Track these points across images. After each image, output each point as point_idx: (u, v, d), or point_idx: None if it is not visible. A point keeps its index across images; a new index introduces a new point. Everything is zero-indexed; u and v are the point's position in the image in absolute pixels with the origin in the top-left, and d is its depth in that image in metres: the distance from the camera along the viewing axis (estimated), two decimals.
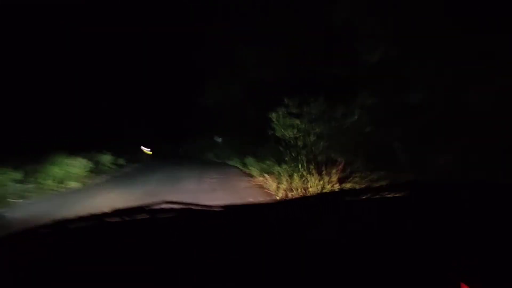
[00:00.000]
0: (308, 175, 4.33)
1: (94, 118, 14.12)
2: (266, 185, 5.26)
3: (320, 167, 4.25)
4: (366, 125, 4.10)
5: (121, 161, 12.95)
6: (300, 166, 4.57)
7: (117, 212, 0.84)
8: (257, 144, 7.66)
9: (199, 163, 12.28)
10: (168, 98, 23.52)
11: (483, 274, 0.50)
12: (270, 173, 5.50)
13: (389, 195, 0.80)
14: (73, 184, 7.79)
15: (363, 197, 0.83)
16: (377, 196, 0.81)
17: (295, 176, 4.47)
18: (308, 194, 3.46)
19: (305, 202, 0.89)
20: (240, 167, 8.99)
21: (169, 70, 20.15)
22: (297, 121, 5.05)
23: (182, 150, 24.69)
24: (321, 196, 0.91)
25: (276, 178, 5.10)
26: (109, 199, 5.69)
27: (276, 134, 5.44)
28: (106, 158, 11.35)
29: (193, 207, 0.86)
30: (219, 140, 14.62)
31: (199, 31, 11.48)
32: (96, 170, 9.69)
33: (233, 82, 9.73)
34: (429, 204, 0.75)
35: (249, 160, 7.82)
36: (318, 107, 4.85)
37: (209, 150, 15.80)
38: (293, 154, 4.98)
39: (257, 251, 0.62)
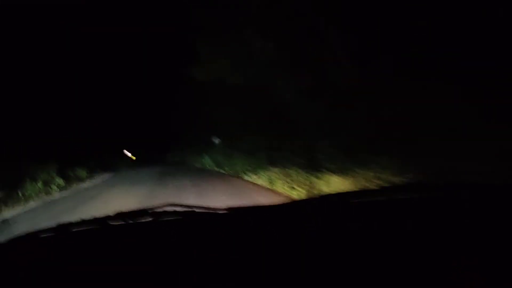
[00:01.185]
0: None
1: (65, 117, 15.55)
2: None
3: None
4: None
5: (80, 172, 12.27)
6: None
7: (120, 215, 1.02)
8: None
9: (193, 176, 10.46)
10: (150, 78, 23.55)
11: (484, 274, 0.60)
12: None
13: (393, 197, 0.96)
14: None
15: (368, 199, 0.99)
16: (382, 198, 0.97)
17: None
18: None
19: (309, 204, 1.05)
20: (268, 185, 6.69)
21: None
22: None
23: (171, 155, 24.85)
24: (324, 198, 1.06)
25: None
26: None
27: None
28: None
29: (196, 209, 1.03)
30: (216, 141, 14.62)
31: None
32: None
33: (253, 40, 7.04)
34: (431, 205, 0.91)
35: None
36: None
37: (205, 153, 15.20)
38: None
39: (259, 255, 0.75)
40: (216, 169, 12.64)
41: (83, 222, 1.01)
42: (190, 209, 1.04)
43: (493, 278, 0.59)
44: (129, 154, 27.44)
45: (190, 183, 8.30)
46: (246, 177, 8.37)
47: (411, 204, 0.94)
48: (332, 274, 0.65)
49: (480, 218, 0.78)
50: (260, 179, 7.52)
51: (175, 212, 1.03)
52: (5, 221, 1.91)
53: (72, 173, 12.07)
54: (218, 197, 6.02)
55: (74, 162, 13.01)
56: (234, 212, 1.04)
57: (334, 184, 4.83)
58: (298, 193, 5.44)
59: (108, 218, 1.02)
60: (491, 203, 0.84)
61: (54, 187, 9.97)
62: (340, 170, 4.85)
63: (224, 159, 12.23)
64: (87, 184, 11.77)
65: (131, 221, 1.02)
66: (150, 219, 1.02)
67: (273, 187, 6.24)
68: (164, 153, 27.52)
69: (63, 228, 1.00)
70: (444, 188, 0.98)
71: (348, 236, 0.80)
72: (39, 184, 9.33)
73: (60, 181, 10.56)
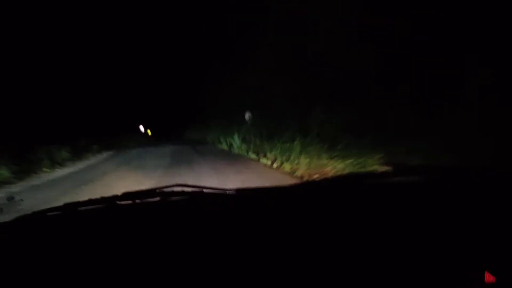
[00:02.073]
0: None
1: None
2: None
3: None
4: None
5: (64, 154, 12.64)
6: None
7: (127, 195, 1.15)
8: None
9: (214, 156, 11.24)
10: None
11: (508, 263, 0.67)
12: None
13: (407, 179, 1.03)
14: None
15: (383, 181, 1.06)
16: (400, 179, 1.04)
17: None
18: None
19: (323, 185, 1.13)
20: None
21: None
22: None
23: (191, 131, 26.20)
24: (341, 179, 1.14)
25: None
26: None
27: None
28: None
29: (205, 190, 1.14)
30: (248, 117, 13.75)
31: None
32: None
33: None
34: (451, 190, 0.97)
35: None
36: None
37: (227, 133, 14.95)
38: None
39: (267, 236, 0.83)
40: (236, 152, 12.78)
41: (90, 201, 1.13)
42: (198, 190, 1.15)
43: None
44: (143, 129, 28.57)
45: (208, 166, 8.59)
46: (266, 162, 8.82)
47: (422, 186, 1.02)
48: (339, 257, 0.73)
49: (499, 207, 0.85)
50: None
51: (183, 192, 1.15)
52: (11, 198, 2.13)
53: (79, 148, 13.92)
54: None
55: (81, 137, 15.08)
56: (242, 193, 1.14)
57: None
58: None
59: (115, 197, 1.15)
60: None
61: (61, 161, 11.53)
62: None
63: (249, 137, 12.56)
64: (95, 160, 13.17)
65: (138, 201, 1.14)
66: (158, 199, 1.14)
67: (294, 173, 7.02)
68: (184, 129, 28.59)
69: (70, 207, 1.13)
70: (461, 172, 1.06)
71: (357, 218, 0.88)
72: (45, 159, 10.73)
73: (66, 155, 12.39)
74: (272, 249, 0.78)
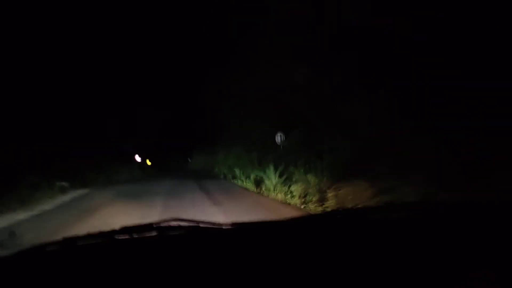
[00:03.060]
0: None
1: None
2: None
3: None
4: None
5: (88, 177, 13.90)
6: None
7: (126, 230, 1.38)
8: None
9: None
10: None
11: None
12: None
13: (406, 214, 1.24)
14: None
15: (387, 215, 1.28)
16: (401, 215, 1.25)
17: None
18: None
19: (320, 220, 1.35)
20: None
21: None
22: None
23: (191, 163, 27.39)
24: (342, 213, 1.36)
25: None
26: None
27: None
28: None
29: (201, 224, 1.37)
30: (280, 139, 12.23)
31: None
32: None
33: None
34: (444, 223, 1.18)
35: None
36: None
37: (245, 164, 14.27)
38: None
39: (263, 270, 1.00)
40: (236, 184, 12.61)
41: (89, 236, 1.36)
42: (195, 224, 1.38)
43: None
44: (139, 159, 29.27)
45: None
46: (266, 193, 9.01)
47: (425, 222, 1.24)
48: None
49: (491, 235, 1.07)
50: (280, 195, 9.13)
51: (180, 227, 1.38)
52: (12, 234, 2.37)
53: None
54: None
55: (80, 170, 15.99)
56: (239, 228, 1.37)
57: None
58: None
59: (114, 232, 1.37)
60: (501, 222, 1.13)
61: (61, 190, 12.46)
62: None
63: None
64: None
65: (136, 236, 1.37)
66: (155, 233, 1.37)
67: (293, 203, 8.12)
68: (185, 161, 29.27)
69: (69, 242, 1.34)
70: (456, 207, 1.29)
71: (355, 253, 1.07)
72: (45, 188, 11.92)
73: (66, 184, 13.33)
74: (267, 284, 0.94)
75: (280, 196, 9.50)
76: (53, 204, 11.44)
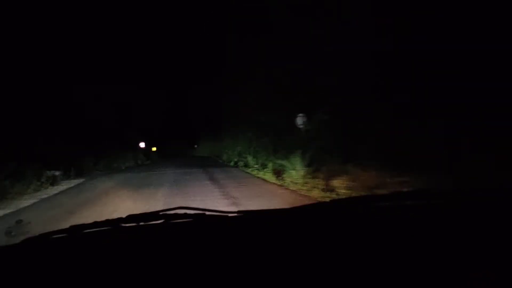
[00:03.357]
0: None
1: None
2: None
3: None
4: None
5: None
6: None
7: (132, 218, 1.45)
8: None
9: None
10: None
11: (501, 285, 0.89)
12: None
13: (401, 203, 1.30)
14: None
15: (392, 203, 1.33)
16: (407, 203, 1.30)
17: None
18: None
19: (326, 208, 1.41)
20: None
21: None
22: None
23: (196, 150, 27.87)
24: (348, 201, 1.41)
25: None
26: None
27: None
28: None
29: (207, 212, 1.45)
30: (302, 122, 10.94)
31: None
32: None
33: None
34: (440, 211, 1.24)
35: None
36: None
37: (258, 151, 13.67)
38: None
39: (268, 258, 1.04)
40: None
41: (95, 224, 1.43)
42: (201, 212, 1.46)
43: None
44: (143, 145, 29.74)
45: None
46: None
47: (421, 210, 1.31)
48: (340, 279, 0.91)
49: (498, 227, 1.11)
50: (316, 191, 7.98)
51: (186, 215, 1.45)
52: (19, 221, 2.48)
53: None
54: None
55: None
56: (245, 215, 1.44)
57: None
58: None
59: (120, 220, 1.44)
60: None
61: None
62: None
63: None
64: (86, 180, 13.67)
65: (142, 223, 1.45)
66: (162, 221, 1.43)
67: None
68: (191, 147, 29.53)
69: (76, 230, 1.41)
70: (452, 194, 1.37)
71: (357, 241, 1.13)
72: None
73: (59, 173, 13.79)
74: (273, 271, 0.97)
75: (316, 193, 8.10)
76: (37, 198, 10.62)
